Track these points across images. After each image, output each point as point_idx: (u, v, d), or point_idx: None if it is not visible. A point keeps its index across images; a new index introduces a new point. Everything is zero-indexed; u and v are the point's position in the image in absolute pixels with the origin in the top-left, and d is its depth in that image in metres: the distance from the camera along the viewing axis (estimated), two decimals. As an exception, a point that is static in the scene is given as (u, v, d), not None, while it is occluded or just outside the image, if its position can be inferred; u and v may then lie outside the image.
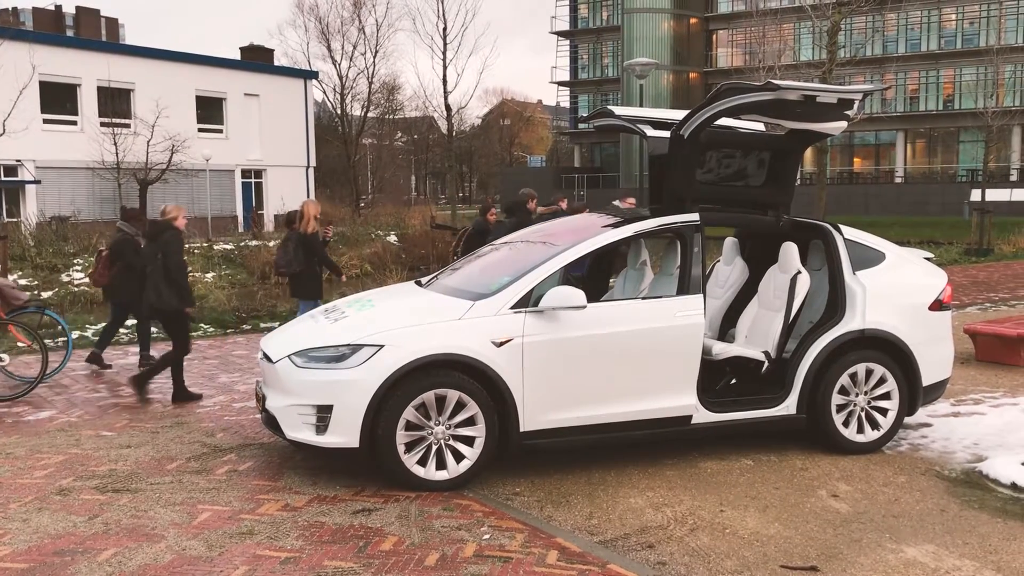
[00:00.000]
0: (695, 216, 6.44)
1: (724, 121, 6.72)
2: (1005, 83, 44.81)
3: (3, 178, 35.11)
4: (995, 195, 40.23)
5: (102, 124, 36.44)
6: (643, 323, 6.02)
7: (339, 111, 55.93)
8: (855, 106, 6.15)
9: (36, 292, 18.06)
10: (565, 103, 71.65)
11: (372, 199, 57.45)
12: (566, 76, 67.82)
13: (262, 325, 13.19)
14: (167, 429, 7.18)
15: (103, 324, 10.85)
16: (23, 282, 18.51)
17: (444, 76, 37.99)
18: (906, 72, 54.21)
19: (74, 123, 37.23)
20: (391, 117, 68.87)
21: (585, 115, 9.49)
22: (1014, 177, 50.48)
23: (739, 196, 7.01)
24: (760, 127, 7.46)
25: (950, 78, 53.45)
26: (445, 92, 37.91)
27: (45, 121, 35.36)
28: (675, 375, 6.06)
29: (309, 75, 49.17)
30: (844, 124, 6.49)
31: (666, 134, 6.79)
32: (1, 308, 8.91)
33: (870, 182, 55.50)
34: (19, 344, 10.09)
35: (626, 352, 5.96)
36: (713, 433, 6.35)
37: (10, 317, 9.05)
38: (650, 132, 7.04)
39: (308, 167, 46.64)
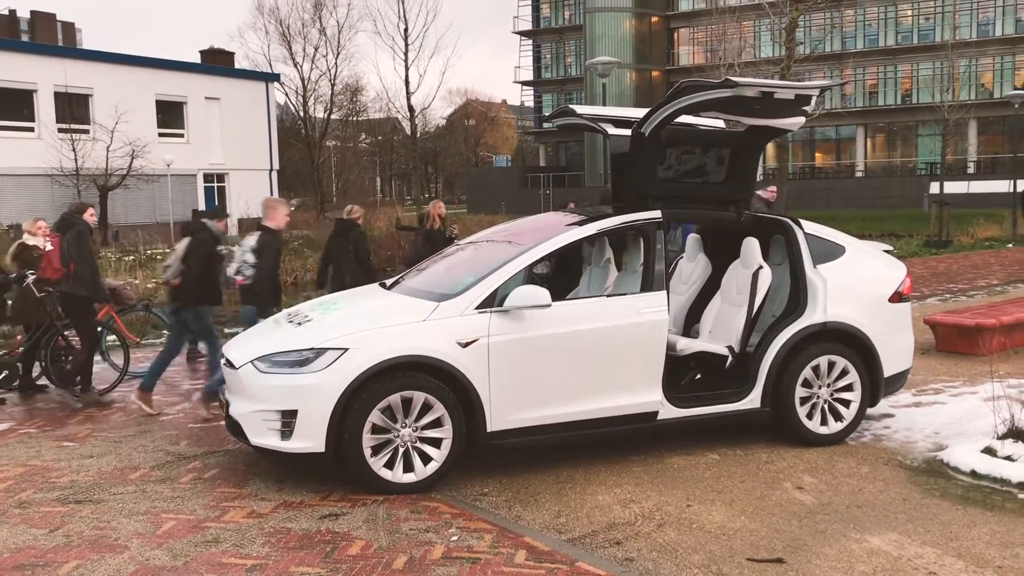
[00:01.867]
0: (657, 213, 6.47)
1: (686, 119, 6.77)
2: (960, 77, 45.55)
3: (-42, 186, 34.46)
4: (953, 187, 40.92)
5: (60, 130, 35.86)
6: (607, 320, 6.04)
7: (302, 113, 55.60)
8: (812, 101, 6.20)
9: None
10: (529, 103, 71.77)
11: (337, 201, 57.13)
12: (530, 76, 67.95)
13: (226, 331, 13.04)
14: (130, 438, 7.09)
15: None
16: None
17: (406, 77, 38.00)
18: (864, 68, 54.96)
19: (31, 129, 36.62)
20: (354, 119, 68.50)
21: (548, 114, 9.49)
22: (971, 170, 51.37)
23: (700, 192, 7.05)
24: (720, 124, 7.51)
25: (908, 73, 54.27)
26: (408, 93, 37.92)
27: (0, 128, 34.75)
28: (640, 372, 6.09)
29: (271, 78, 48.80)
30: (802, 120, 6.56)
31: (627, 132, 6.83)
32: (112, 307, 9.47)
33: (831, 176, 56.19)
34: (109, 339, 10.09)
35: (591, 350, 5.97)
36: (679, 429, 6.39)
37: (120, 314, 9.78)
38: (612, 130, 7.08)
39: (272, 170, 46.28)
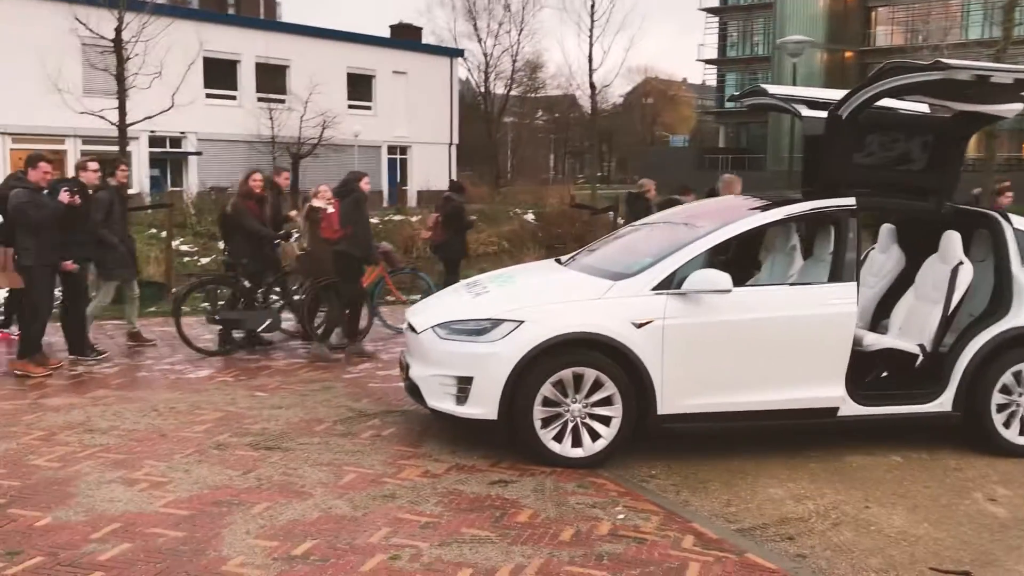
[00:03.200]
0: (851, 200, 6.18)
1: (886, 102, 6.43)
2: None
3: (169, 149, 37.21)
4: None
5: (259, 99, 38.08)
6: (791, 310, 5.85)
7: (482, 89, 56.55)
8: (1033, 87, 5.74)
9: (195, 259, 19.09)
10: (710, 82, 70.00)
11: (511, 178, 57.91)
12: (714, 54, 66.20)
13: (406, 298, 13.53)
14: (315, 393, 7.50)
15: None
16: (184, 248, 19.64)
17: (590, 54, 37.72)
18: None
19: (233, 98, 39.04)
20: (532, 95, 69.04)
21: (736, 93, 9.21)
22: None
23: (898, 181, 6.68)
24: (923, 108, 7.08)
25: None
26: (590, 70, 37.62)
27: (207, 96, 37.21)
28: (822, 365, 5.87)
29: (455, 53, 49.85)
30: (1019, 107, 6.10)
31: (823, 114, 6.54)
32: (383, 268, 10.47)
33: (1013, 168, 51.79)
34: (388, 298, 11.37)
35: (772, 339, 5.80)
36: (860, 427, 6.12)
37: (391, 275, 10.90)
38: (805, 112, 6.80)
39: (451, 144, 47.40)
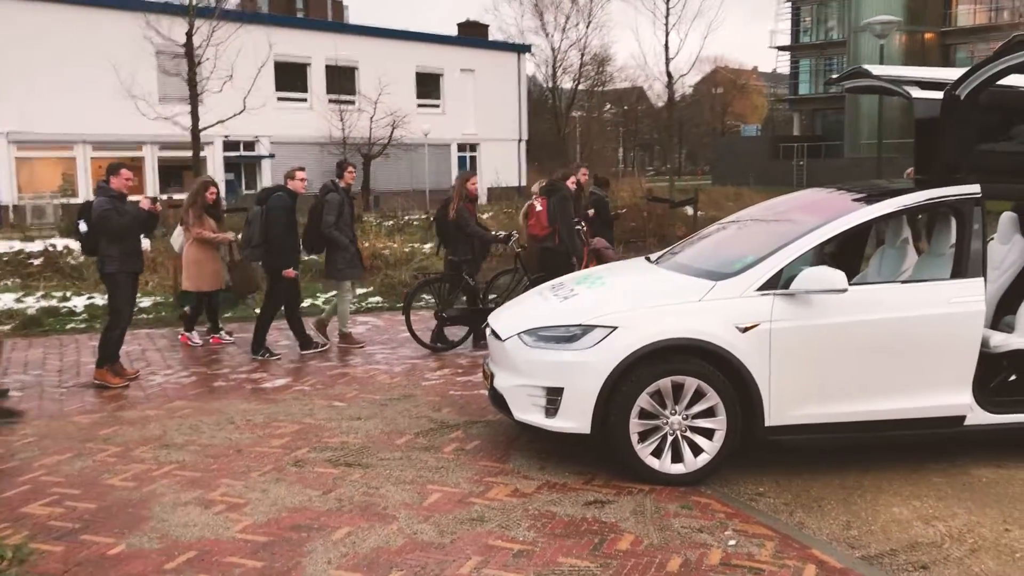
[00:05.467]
0: (975, 188, 5.61)
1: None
2: None
3: (243, 153, 37.66)
4: None
5: (329, 101, 38.31)
6: (912, 310, 5.31)
7: (550, 84, 56.10)
8: None
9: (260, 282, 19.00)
10: (783, 69, 68.24)
11: (563, 171, 57.22)
12: (787, 40, 64.52)
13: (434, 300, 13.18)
14: (395, 402, 7.20)
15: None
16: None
17: (666, 42, 36.74)
18: None
19: (304, 100, 39.35)
20: (600, 89, 68.34)
21: (835, 76, 8.64)
22: None
23: (1023, 165, 6.07)
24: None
25: None
26: (667, 59, 36.66)
27: (279, 99, 37.57)
28: (947, 369, 5.32)
29: (522, 49, 49.52)
30: None
31: (937, 95, 5.98)
32: (595, 264, 9.85)
33: None
34: None
35: (891, 342, 5.28)
36: (989, 436, 5.55)
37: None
38: (916, 93, 6.23)
39: (520, 140, 47.10)
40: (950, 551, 4.48)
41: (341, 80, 39.39)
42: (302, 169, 9.40)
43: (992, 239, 6.85)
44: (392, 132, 37.87)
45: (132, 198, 8.15)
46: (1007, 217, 6.77)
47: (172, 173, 33.22)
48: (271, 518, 4.79)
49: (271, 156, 37.68)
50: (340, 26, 45.16)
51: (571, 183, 9.81)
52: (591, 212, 11.06)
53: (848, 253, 6.89)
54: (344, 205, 9.26)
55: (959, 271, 5.47)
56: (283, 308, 9.21)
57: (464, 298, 9.43)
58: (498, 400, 5.77)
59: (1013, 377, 5.97)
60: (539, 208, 9.47)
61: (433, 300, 9.83)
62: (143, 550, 4.40)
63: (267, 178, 37.01)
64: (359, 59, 40.23)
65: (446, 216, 9.55)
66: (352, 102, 38.50)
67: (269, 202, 8.97)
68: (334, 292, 10.15)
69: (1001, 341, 5.75)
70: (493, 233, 9.83)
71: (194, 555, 4.32)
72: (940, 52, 54.22)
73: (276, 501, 5.03)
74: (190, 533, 4.59)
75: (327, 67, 39.50)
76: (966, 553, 4.45)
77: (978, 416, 5.42)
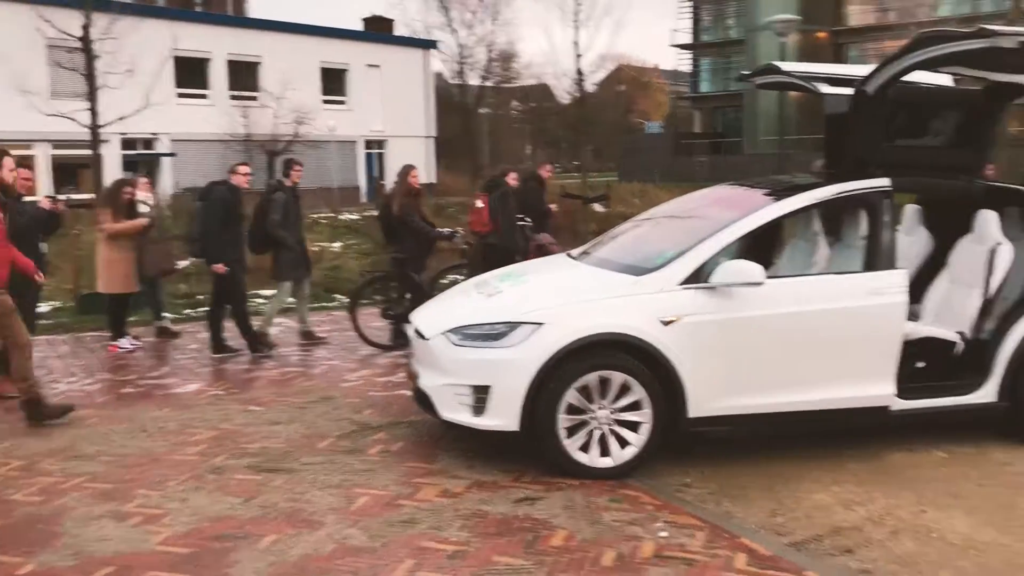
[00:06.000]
0: (885, 181, 5.79)
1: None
2: None
3: (142, 151, 36.39)
4: None
5: (232, 98, 37.34)
6: (833, 302, 5.45)
7: (457, 81, 55.86)
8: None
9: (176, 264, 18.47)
10: (684, 67, 69.65)
11: (489, 169, 57.30)
12: (687, 39, 65.86)
13: (380, 297, 13.03)
14: (314, 404, 7.03)
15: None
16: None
17: (576, 39, 36.93)
18: (1059, 25, 50.22)
19: (205, 97, 38.27)
20: (507, 86, 68.42)
21: (746, 72, 8.80)
22: None
23: (929, 159, 6.31)
24: (946, 81, 6.70)
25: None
26: (577, 56, 36.88)
27: (179, 96, 36.44)
28: (871, 360, 5.49)
29: (428, 45, 49.19)
30: (1059, 76, 5.72)
31: (846, 91, 6.15)
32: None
33: (1017, 145, 51.88)
34: None
35: (812, 334, 5.41)
36: (908, 423, 5.75)
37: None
38: (826, 89, 6.40)
39: (429, 137, 46.81)
40: (872, 534, 4.61)
41: (244, 76, 38.44)
42: (245, 164, 9.16)
43: (898, 230, 7.11)
44: (297, 129, 37.14)
45: (31, 198, 7.75)
46: (911, 210, 7.03)
47: (67, 173, 31.89)
48: (192, 528, 4.61)
49: (172, 154, 36.52)
50: (241, 20, 44.05)
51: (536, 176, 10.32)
52: (553, 207, 11.29)
53: (764, 247, 7.04)
54: (290, 204, 9.08)
55: (874, 263, 5.64)
56: (230, 306, 8.99)
57: (409, 296, 9.24)
58: (423, 400, 5.69)
59: (922, 364, 6.18)
60: (480, 205, 9.59)
61: (380, 298, 9.79)
62: (56, 568, 4.17)
63: (168, 176, 35.85)
64: (262, 54, 39.30)
65: (390, 212, 9.41)
66: (255, 98, 37.61)
67: (210, 196, 8.70)
68: (271, 292, 10.00)
69: (912, 329, 5.94)
70: (439, 229, 9.65)
71: (112, 571, 4.12)
72: (833, 51, 56.13)
73: (197, 510, 4.84)
74: (106, 548, 4.38)
75: (229, 62, 38.51)
76: (887, 536, 4.59)
77: (898, 403, 5.60)
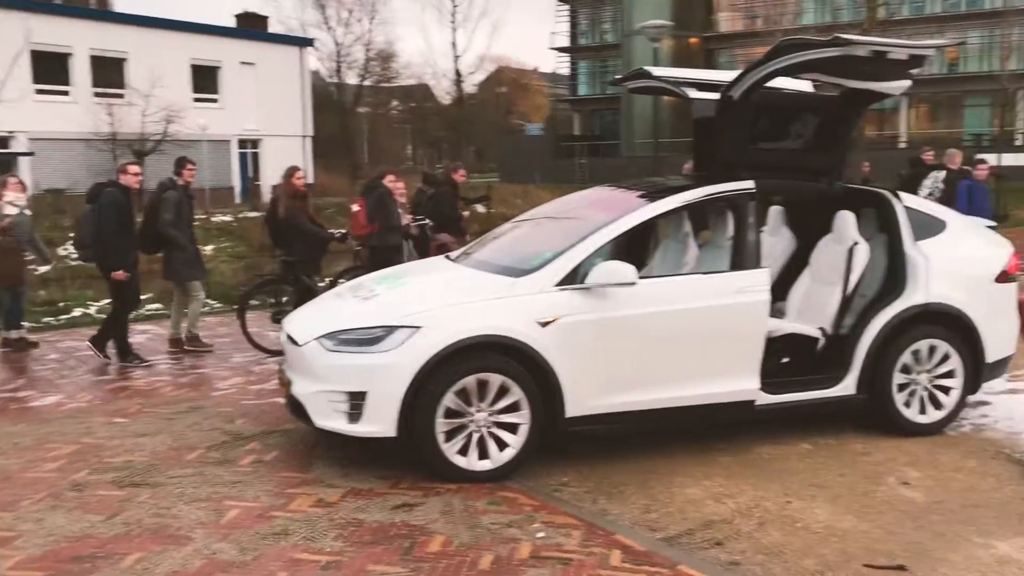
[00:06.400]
0: (750, 184, 5.99)
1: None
2: (1010, 45, 44.22)
3: (-4, 150, 34.41)
4: (1010, 160, 39.53)
5: (95, 94, 35.72)
6: (702, 300, 5.59)
7: (335, 80, 55.08)
8: (924, 63, 5.68)
9: (33, 268, 17.54)
10: (563, 70, 70.62)
11: (368, 169, 56.68)
12: (566, 42, 66.78)
13: (270, 301, 12.72)
14: (183, 415, 6.77)
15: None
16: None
17: (454, 40, 37.02)
18: (910, 36, 53.34)
19: (66, 93, 36.45)
20: (387, 85, 67.89)
21: (618, 76, 8.97)
22: (1019, 142, 49.87)
23: (792, 162, 6.55)
24: (806, 87, 6.99)
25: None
26: (455, 56, 36.93)
27: (37, 91, 34.61)
28: (738, 356, 5.66)
29: (304, 43, 48.27)
30: (907, 84, 6.04)
31: (713, 96, 6.33)
32: None
33: (873, 148, 54.82)
34: None
35: (683, 332, 5.54)
36: (774, 416, 5.96)
37: None
38: (694, 94, 6.58)
39: (306, 137, 45.92)
40: (740, 526, 4.75)
41: (108, 72, 36.80)
42: (135, 163, 8.78)
43: (763, 231, 7.37)
44: (167, 127, 35.83)
45: None
46: (776, 211, 7.30)
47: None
48: (48, 550, 4.35)
49: (30, 154, 34.60)
50: (106, 14, 42.13)
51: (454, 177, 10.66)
52: (466, 213, 11.34)
53: (637, 248, 7.17)
54: (183, 203, 8.88)
55: (740, 262, 5.82)
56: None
57: (300, 299, 8.95)
58: (297, 408, 5.54)
59: (786, 360, 6.43)
60: (357, 209, 9.66)
61: (271, 302, 9.58)
62: None
63: (26, 177, 33.93)
64: (128, 50, 37.71)
65: (277, 215, 9.20)
66: (121, 95, 36.08)
67: (100, 199, 8.25)
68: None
69: (776, 326, 6.16)
70: (329, 231, 9.51)
71: (-43, 601, 3.86)
72: (704, 56, 57.96)
73: (53, 530, 4.58)
74: (-49, 576, 4.09)
75: (92, 58, 36.80)
76: (755, 527, 4.74)
77: (764, 398, 5.80)
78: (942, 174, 12.76)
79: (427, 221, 10.29)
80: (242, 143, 43.02)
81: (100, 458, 5.76)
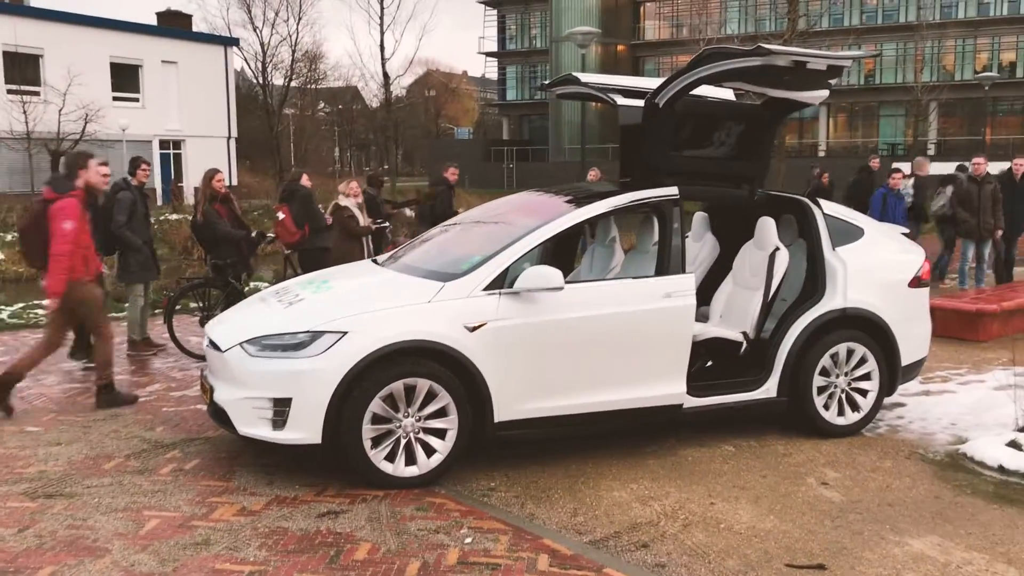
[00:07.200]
0: (674, 190, 6.08)
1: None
2: (923, 58, 45.91)
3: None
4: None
5: (9, 91, 34.51)
6: (629, 305, 5.64)
7: (260, 80, 54.22)
8: (842, 73, 5.84)
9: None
10: (492, 75, 70.76)
11: (294, 171, 55.87)
12: (494, 47, 66.96)
13: (192, 305, 12.45)
14: (100, 423, 6.56)
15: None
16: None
17: (381, 43, 36.73)
18: (829, 47, 54.88)
19: (-23, 90, 35.18)
20: (313, 87, 67.10)
21: (546, 82, 9.02)
22: (931, 151, 51.76)
23: (715, 169, 6.68)
24: (728, 95, 7.13)
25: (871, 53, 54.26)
26: (383, 59, 36.67)
27: (-55, 88, 33.35)
28: (666, 360, 5.72)
29: (229, 42, 47.43)
30: (826, 93, 6.19)
31: (639, 103, 6.41)
32: None
33: (794, 156, 56.25)
34: None
35: (610, 336, 5.58)
36: (699, 420, 6.05)
37: None
38: (621, 101, 6.65)
39: (229, 138, 45.10)
40: (666, 528, 4.81)
41: (23, 68, 35.58)
42: (104, 164, 7.93)
43: (687, 237, 7.49)
44: (85, 127, 34.80)
45: None
46: (699, 217, 7.42)
47: None
48: (-46, 567, 4.18)
49: (-63, 151, 33.30)
50: (20, 8, 40.65)
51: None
52: (412, 214, 11.72)
53: (563, 252, 7.22)
54: (137, 204, 8.72)
55: (665, 267, 5.89)
56: None
57: (227, 303, 8.81)
58: (219, 415, 5.43)
59: (710, 363, 6.55)
60: (282, 216, 9.57)
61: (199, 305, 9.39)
62: None
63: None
64: (44, 46, 36.55)
65: (196, 219, 9.07)
66: (37, 93, 34.92)
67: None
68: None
69: (700, 330, 6.25)
70: (246, 233, 9.28)
71: None
72: (631, 63, 58.79)
73: (-41, 546, 4.40)
74: None
75: (5, 53, 35.53)
76: (680, 529, 4.80)
77: (690, 401, 5.88)
78: (948, 187, 12.86)
79: (387, 224, 10.28)
80: (164, 144, 42.05)
81: (11, 469, 5.55)
